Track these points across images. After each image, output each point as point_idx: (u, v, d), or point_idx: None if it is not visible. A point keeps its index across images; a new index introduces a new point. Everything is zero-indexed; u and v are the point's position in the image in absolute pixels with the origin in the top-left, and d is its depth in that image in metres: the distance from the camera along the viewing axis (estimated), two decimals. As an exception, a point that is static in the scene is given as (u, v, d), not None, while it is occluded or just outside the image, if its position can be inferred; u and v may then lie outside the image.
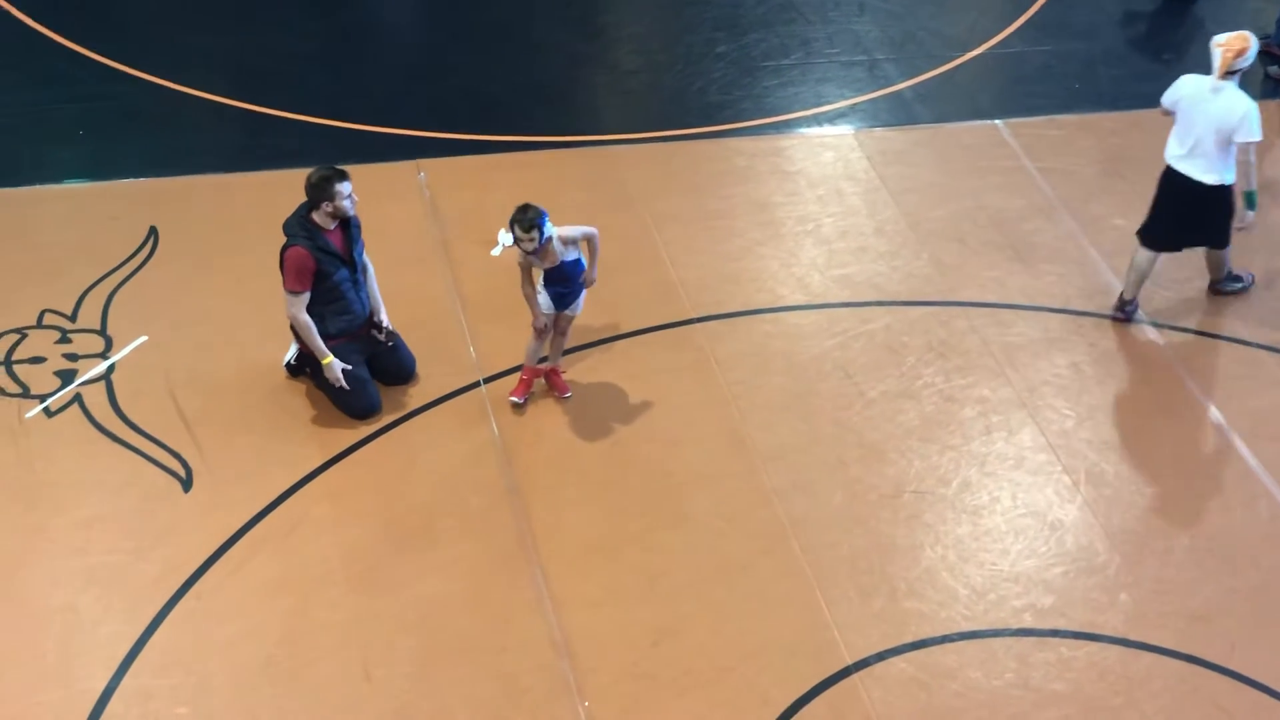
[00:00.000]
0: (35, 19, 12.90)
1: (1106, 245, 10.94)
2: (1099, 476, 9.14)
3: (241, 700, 7.66)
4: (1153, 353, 10.06)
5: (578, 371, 9.66)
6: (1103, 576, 8.54)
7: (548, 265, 8.99)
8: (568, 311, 9.29)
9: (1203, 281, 10.54)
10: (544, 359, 9.43)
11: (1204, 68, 9.77)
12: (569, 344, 9.58)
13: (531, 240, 8.76)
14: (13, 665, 7.76)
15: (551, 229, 8.83)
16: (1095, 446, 9.34)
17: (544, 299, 9.17)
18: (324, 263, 8.89)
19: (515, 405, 9.33)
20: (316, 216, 8.91)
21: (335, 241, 8.96)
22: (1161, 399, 9.71)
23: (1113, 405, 9.66)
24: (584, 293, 9.30)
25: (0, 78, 12.21)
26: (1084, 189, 11.54)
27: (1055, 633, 8.20)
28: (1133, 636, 8.20)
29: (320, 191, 8.82)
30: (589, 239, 9.14)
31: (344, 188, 8.82)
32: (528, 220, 8.73)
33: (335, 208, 8.85)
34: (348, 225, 9.04)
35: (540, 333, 9.23)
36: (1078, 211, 11.28)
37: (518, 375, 9.46)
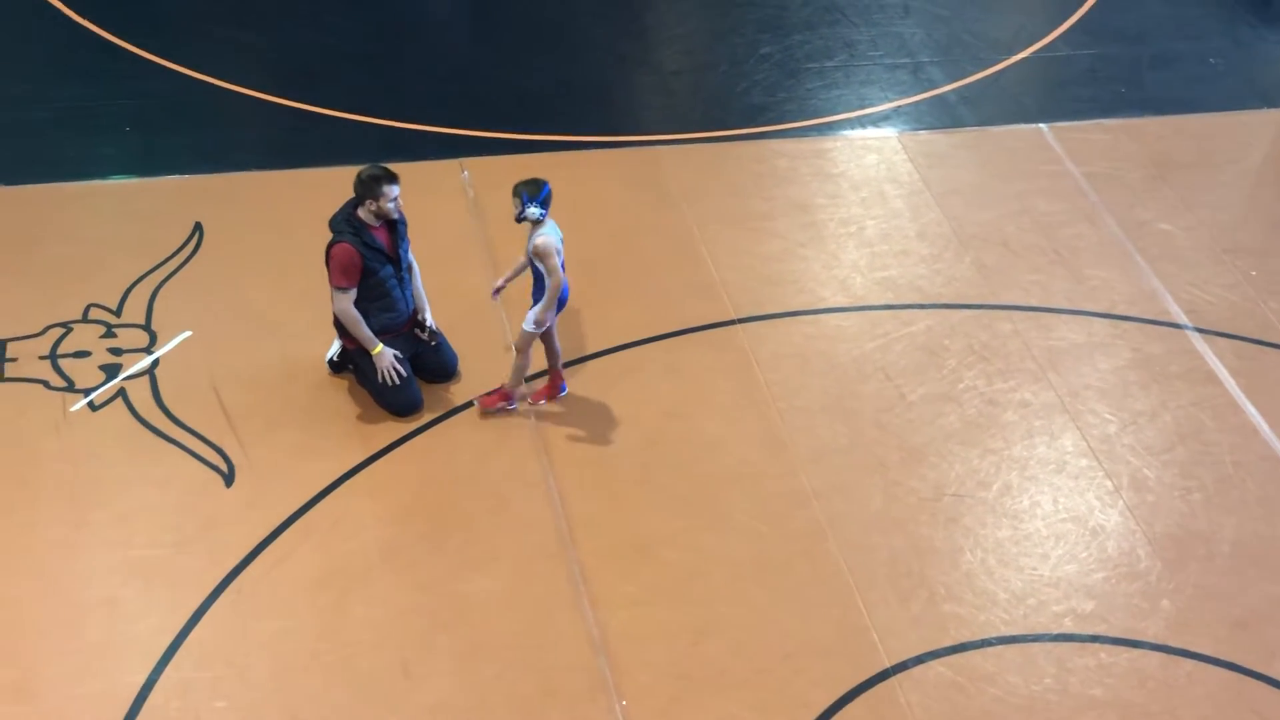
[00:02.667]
0: (82, 15, 12.98)
1: (1151, 250, 10.89)
2: (1141, 482, 9.10)
3: (280, 694, 7.69)
4: (1197, 359, 10.01)
5: (618, 370, 9.67)
6: (1144, 582, 8.49)
7: (528, 250, 8.87)
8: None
9: (1249, 287, 10.48)
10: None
11: (1250, 72, 9.71)
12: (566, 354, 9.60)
13: (514, 206, 8.77)
14: (54, 657, 7.81)
15: (547, 231, 8.74)
16: (1137, 452, 9.30)
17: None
18: (370, 259, 8.91)
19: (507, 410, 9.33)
20: (362, 213, 8.94)
21: (381, 239, 8.99)
22: (1205, 405, 9.66)
23: (1155, 411, 9.61)
24: (531, 314, 8.94)
25: (48, 73, 12.29)
26: (1129, 194, 11.49)
27: (1095, 638, 8.17)
28: (1173, 643, 8.16)
29: (367, 189, 8.84)
30: (548, 276, 8.80)
31: (390, 190, 8.83)
32: (516, 187, 8.74)
33: (379, 208, 8.86)
34: (394, 223, 9.06)
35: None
36: (1122, 216, 11.23)
37: (559, 375, 9.49)
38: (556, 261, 8.79)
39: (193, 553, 8.37)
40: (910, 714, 7.72)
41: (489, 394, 9.33)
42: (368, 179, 8.85)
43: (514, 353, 9.22)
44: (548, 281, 8.82)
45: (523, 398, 9.34)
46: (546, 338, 9.25)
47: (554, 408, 9.36)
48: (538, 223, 8.80)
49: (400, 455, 9.05)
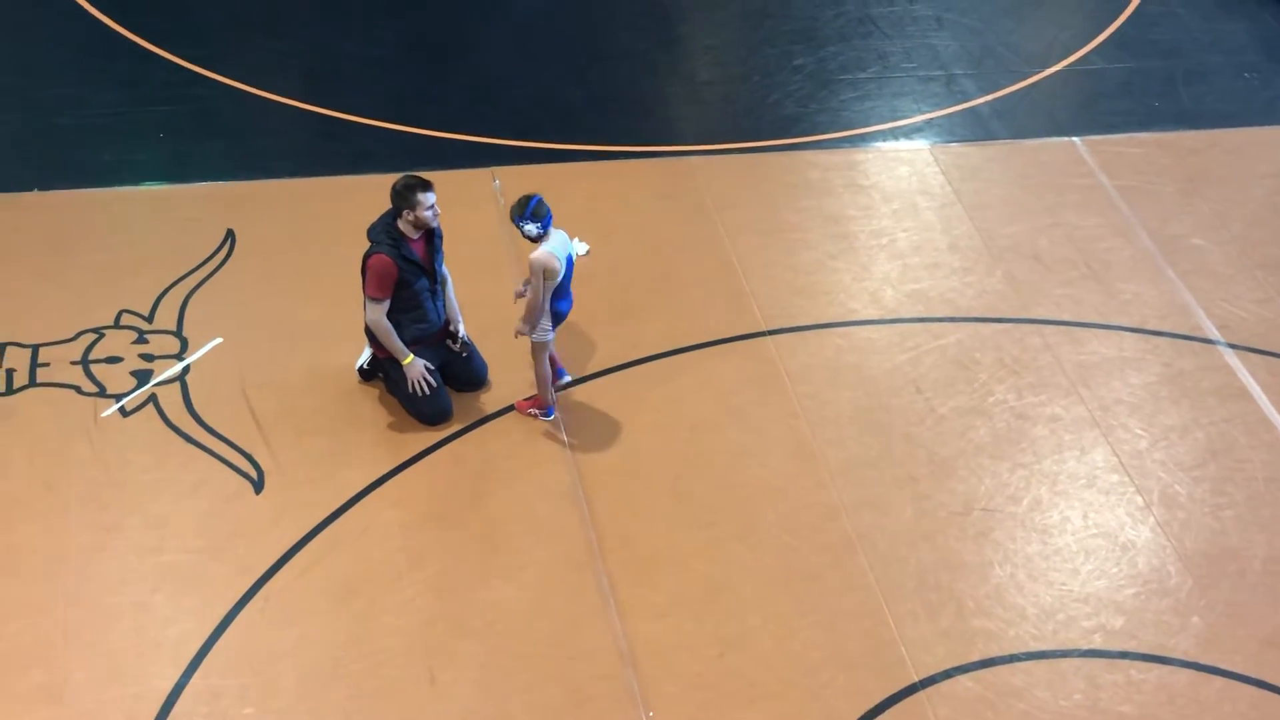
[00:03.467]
0: (117, 21, 13.04)
1: (1184, 265, 10.84)
2: (1172, 498, 9.06)
3: (308, 702, 7.71)
4: (1229, 374, 9.96)
5: (648, 381, 9.66)
6: (1174, 599, 8.46)
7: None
8: None
9: (1281, 303, 10.45)
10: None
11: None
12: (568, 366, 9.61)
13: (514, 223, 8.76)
14: (84, 662, 7.84)
15: (546, 249, 8.70)
16: (1168, 468, 9.26)
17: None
18: (406, 271, 8.92)
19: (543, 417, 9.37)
20: (401, 224, 8.94)
21: (418, 251, 9.00)
22: (1237, 421, 9.61)
23: (1187, 426, 9.56)
24: (533, 321, 9.00)
25: (82, 79, 12.35)
26: (1162, 208, 11.44)
27: (1125, 655, 8.13)
28: (1204, 660, 8.12)
29: (403, 199, 8.85)
30: (531, 294, 8.86)
31: (426, 198, 8.83)
32: (515, 205, 8.70)
33: (416, 217, 8.87)
34: (431, 235, 9.07)
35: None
36: (1155, 231, 11.19)
37: (589, 383, 9.49)
38: (540, 282, 8.74)
39: (222, 559, 8.39)
40: (938, 729, 7.71)
41: (527, 399, 9.38)
42: (401, 189, 8.86)
43: (533, 363, 9.26)
44: (536, 296, 8.82)
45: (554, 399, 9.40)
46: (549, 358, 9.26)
47: (584, 417, 9.36)
48: (540, 237, 8.78)
49: (429, 464, 9.06)
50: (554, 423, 9.31)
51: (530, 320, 8.93)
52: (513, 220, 8.73)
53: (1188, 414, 9.66)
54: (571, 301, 9.14)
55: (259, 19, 13.36)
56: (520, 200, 8.71)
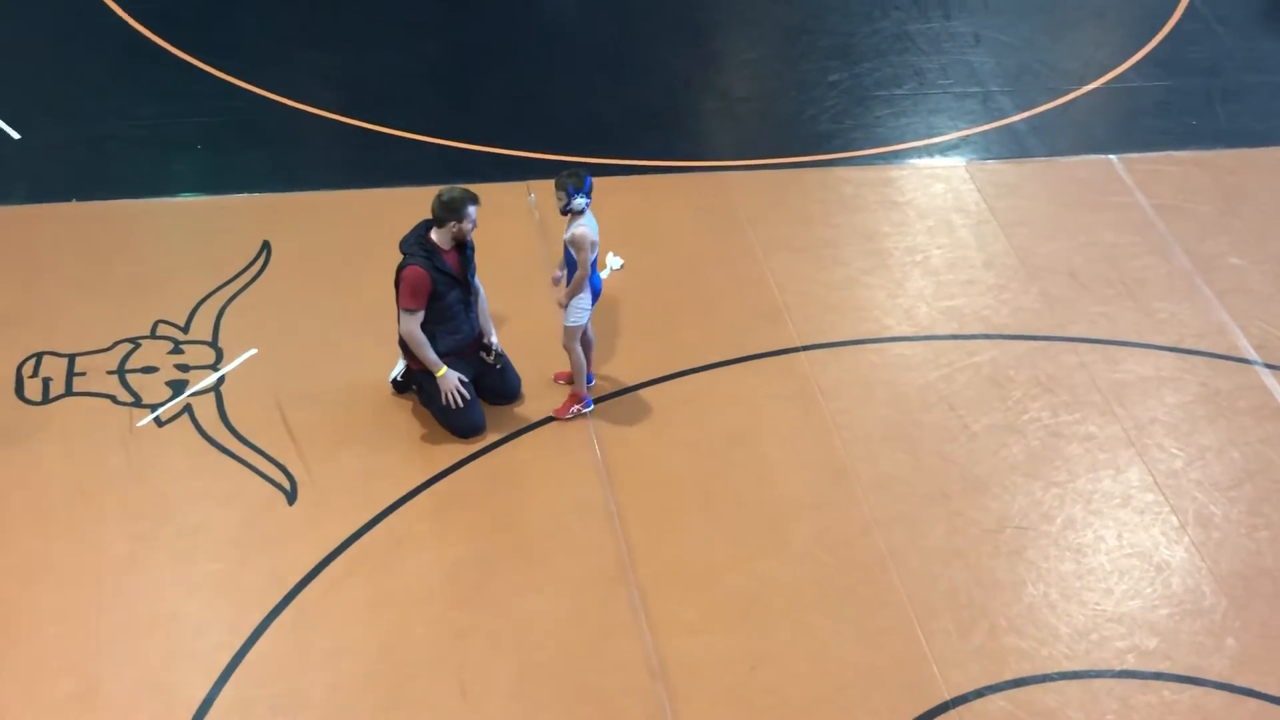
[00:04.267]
0: (156, 33, 13.12)
1: (1221, 284, 10.79)
2: (1207, 518, 9.01)
3: (339, 714, 7.71)
4: (1266, 395, 9.91)
5: (682, 395, 9.66)
6: (1209, 620, 8.41)
7: (565, 238, 9.06)
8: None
9: (1319, 323, 10.39)
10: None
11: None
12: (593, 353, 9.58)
13: (558, 199, 8.96)
14: (116, 671, 7.86)
15: (584, 222, 8.94)
16: (1204, 488, 9.21)
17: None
18: (439, 283, 8.95)
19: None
20: (435, 236, 8.97)
21: (451, 263, 9.03)
22: (1273, 442, 9.55)
23: (1223, 446, 9.51)
24: (569, 310, 9.17)
25: (122, 91, 12.43)
26: (1199, 227, 11.40)
27: (1159, 675, 8.09)
28: (1238, 682, 8.06)
29: (450, 211, 8.88)
30: (580, 267, 9.00)
31: (473, 211, 8.91)
32: (562, 179, 8.94)
33: (460, 229, 8.92)
34: (464, 247, 9.10)
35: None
36: (1192, 249, 11.14)
37: (622, 397, 9.50)
38: (588, 254, 8.97)
39: (254, 569, 8.41)
40: (969, 747, 7.68)
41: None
42: (450, 201, 8.89)
43: (567, 353, 9.36)
44: (581, 267, 9.01)
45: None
46: (584, 344, 9.35)
47: (616, 431, 9.36)
48: (578, 214, 8.96)
49: (462, 476, 9.07)
50: (587, 437, 9.31)
51: (576, 292, 9.09)
52: (567, 190, 8.93)
53: (1224, 434, 9.61)
54: (600, 283, 9.36)
55: (297, 33, 13.43)
56: (579, 174, 8.95)
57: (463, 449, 9.23)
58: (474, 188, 9.07)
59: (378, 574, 8.42)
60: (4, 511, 8.69)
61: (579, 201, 8.92)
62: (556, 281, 9.38)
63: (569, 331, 9.20)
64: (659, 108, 12.73)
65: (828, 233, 11.16)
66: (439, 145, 11.98)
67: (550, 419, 9.43)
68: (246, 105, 12.33)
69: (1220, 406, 9.81)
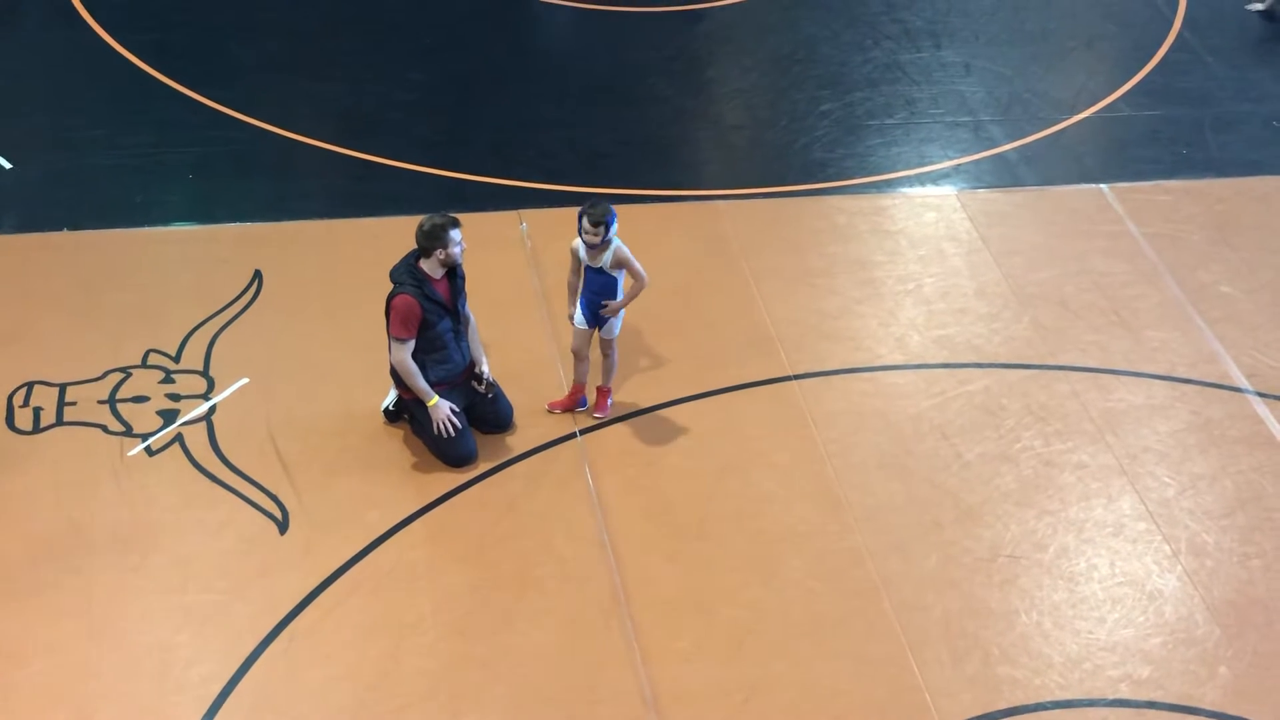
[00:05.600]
0: (149, 64, 13.14)
1: (1212, 313, 10.81)
2: (1200, 547, 9.01)
3: (330, 743, 7.70)
4: (1258, 423, 9.91)
5: (674, 424, 9.66)
6: (1202, 648, 8.40)
7: (596, 264, 9.21)
8: (603, 334, 9.50)
9: (1310, 352, 10.41)
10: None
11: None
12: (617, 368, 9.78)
13: (597, 234, 9.06)
14: (107, 702, 7.83)
15: (617, 239, 9.15)
16: (1196, 516, 9.21)
17: (579, 315, 9.46)
18: (430, 312, 8.95)
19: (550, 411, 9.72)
20: (425, 265, 8.98)
21: (441, 291, 9.03)
22: (1266, 470, 9.56)
23: (1215, 475, 9.52)
24: (618, 318, 9.47)
25: (114, 121, 12.44)
26: (1190, 255, 11.42)
27: (1151, 704, 8.08)
28: (1230, 710, 8.05)
29: (433, 240, 8.89)
30: (637, 279, 9.32)
31: (456, 234, 8.91)
32: (597, 214, 9.06)
33: (447, 255, 8.92)
34: (454, 276, 9.11)
35: (575, 352, 9.54)
36: (1184, 278, 11.16)
37: (614, 426, 9.49)
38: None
39: (246, 599, 8.39)
40: (963, 777, 7.66)
41: (598, 404, 9.71)
42: (431, 230, 8.90)
43: (605, 356, 9.65)
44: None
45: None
46: (578, 361, 9.58)
47: (609, 460, 9.36)
48: (609, 242, 9.18)
49: (455, 505, 9.06)
50: (579, 466, 9.31)
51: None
52: (605, 220, 9.06)
53: (1216, 462, 9.61)
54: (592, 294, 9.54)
55: (289, 63, 13.44)
56: (604, 204, 9.10)
57: (455, 478, 9.22)
58: (465, 216, 9.09)
59: (369, 603, 8.40)
60: (-6, 541, 8.68)
61: (613, 233, 9.14)
62: (607, 308, 9.44)
63: (615, 340, 9.52)
64: (651, 137, 12.75)
65: (820, 261, 11.17)
66: (431, 174, 11.99)
67: (534, 449, 9.42)
68: (238, 135, 12.34)
69: (1212, 435, 9.82)
